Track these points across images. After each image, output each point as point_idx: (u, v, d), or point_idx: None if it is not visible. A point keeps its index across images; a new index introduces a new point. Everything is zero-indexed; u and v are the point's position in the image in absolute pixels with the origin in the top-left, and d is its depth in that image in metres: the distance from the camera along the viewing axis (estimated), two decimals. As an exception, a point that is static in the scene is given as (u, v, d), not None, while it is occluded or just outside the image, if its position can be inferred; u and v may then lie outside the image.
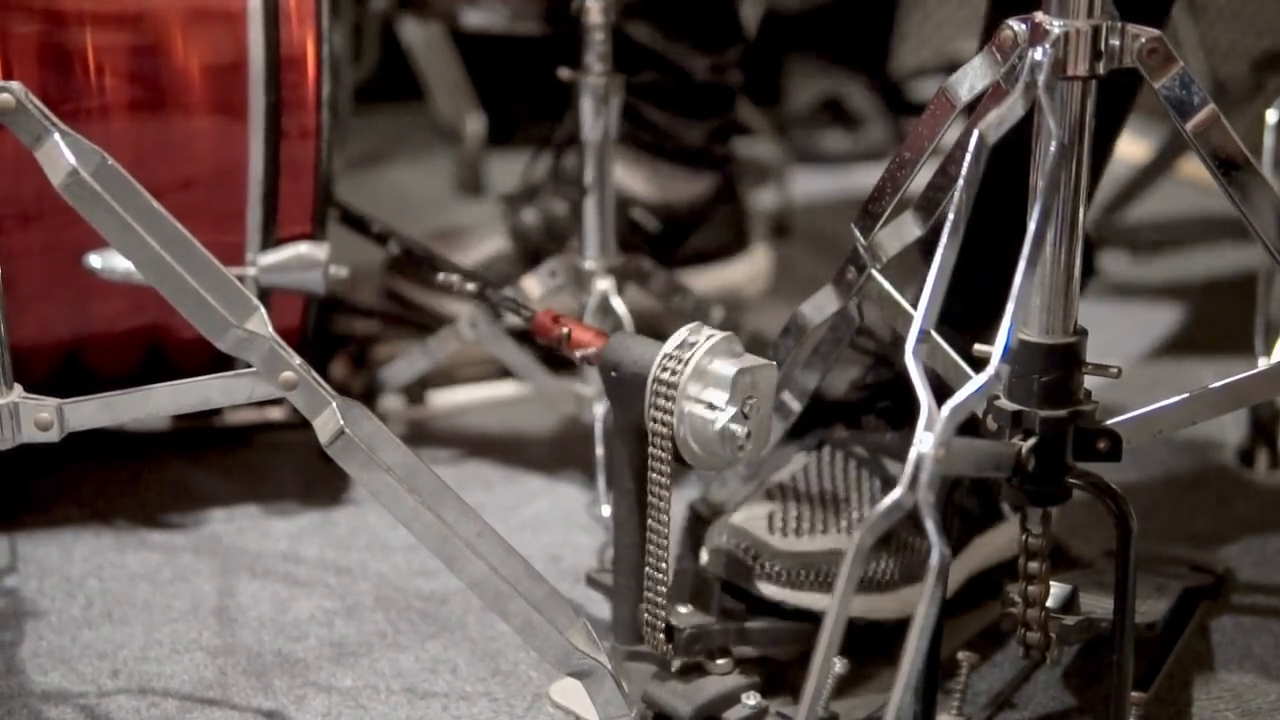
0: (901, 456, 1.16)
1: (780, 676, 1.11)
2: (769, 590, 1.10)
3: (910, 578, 1.14)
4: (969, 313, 1.16)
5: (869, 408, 1.22)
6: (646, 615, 1.06)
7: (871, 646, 1.10)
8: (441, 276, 1.37)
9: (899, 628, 1.10)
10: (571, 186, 1.46)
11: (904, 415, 1.20)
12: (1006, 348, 0.86)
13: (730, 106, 1.68)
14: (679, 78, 1.61)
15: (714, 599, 1.11)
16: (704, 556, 1.14)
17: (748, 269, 1.69)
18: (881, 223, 1.03)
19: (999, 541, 1.20)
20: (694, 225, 1.64)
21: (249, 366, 0.96)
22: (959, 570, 1.18)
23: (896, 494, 0.80)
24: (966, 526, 1.19)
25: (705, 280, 1.65)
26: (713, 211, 1.66)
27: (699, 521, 1.22)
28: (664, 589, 1.04)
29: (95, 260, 1.21)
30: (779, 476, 1.18)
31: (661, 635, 1.06)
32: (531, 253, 1.57)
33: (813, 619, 1.10)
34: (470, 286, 1.35)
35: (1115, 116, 1.22)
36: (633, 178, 1.62)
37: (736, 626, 1.10)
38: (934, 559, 0.80)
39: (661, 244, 1.62)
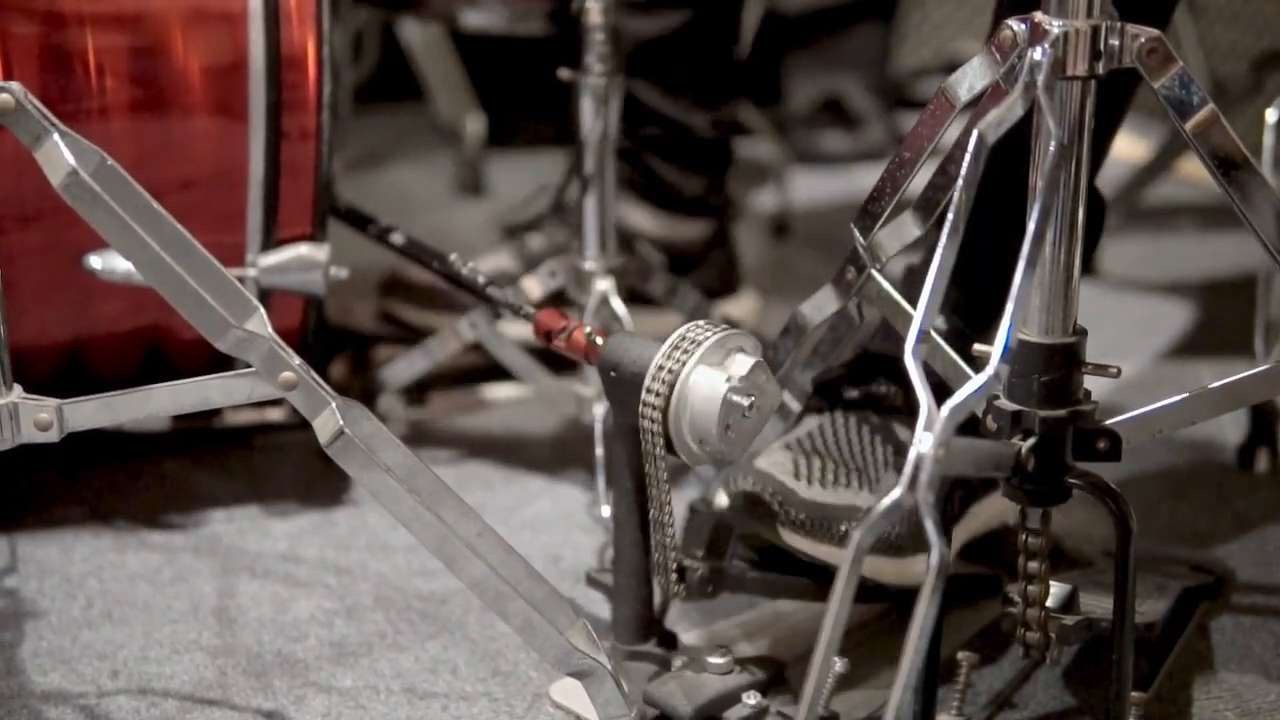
0: (911, 422, 1.17)
1: (780, 676, 1.11)
2: (790, 538, 1.10)
3: (920, 545, 1.13)
4: (969, 312, 1.16)
5: (878, 373, 1.22)
6: (657, 558, 1.05)
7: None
8: (452, 257, 1.36)
9: (902, 593, 1.10)
10: (571, 214, 1.48)
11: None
12: (1006, 348, 0.86)
13: (728, 159, 1.71)
14: (681, 133, 1.64)
15: (727, 547, 1.11)
16: (721, 498, 1.14)
17: (738, 311, 1.70)
18: (881, 223, 1.03)
19: (998, 506, 1.21)
20: (691, 265, 1.66)
21: (249, 367, 0.96)
22: (957, 536, 1.18)
23: (896, 494, 0.81)
24: (965, 495, 1.19)
25: None
26: (708, 255, 1.68)
27: (700, 514, 1.22)
28: (671, 532, 1.04)
29: (95, 261, 1.21)
30: (795, 434, 1.18)
31: (674, 576, 1.05)
32: None
33: (820, 572, 1.10)
34: (480, 279, 1.34)
35: (1113, 115, 1.22)
36: (638, 215, 1.64)
37: (746, 571, 1.09)
38: (934, 559, 0.80)
39: None
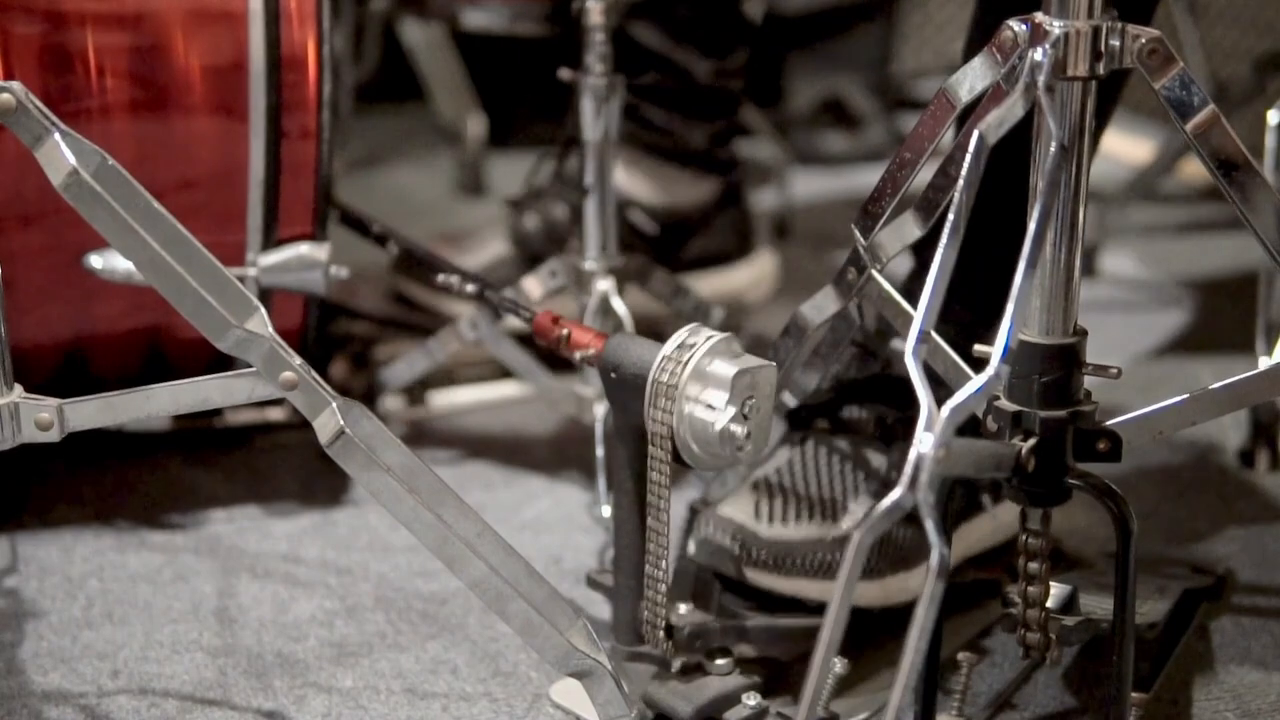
0: (883, 447, 1.17)
1: (780, 676, 1.11)
2: (756, 577, 1.11)
3: (897, 565, 1.14)
4: (969, 313, 1.16)
5: (851, 401, 1.22)
6: (646, 614, 1.06)
7: (857, 635, 1.09)
8: (441, 278, 1.37)
9: (884, 615, 1.10)
10: (573, 190, 1.47)
11: (886, 407, 1.20)
12: (1006, 348, 0.86)
13: (734, 110, 1.69)
14: (682, 80, 1.62)
15: (714, 597, 1.11)
16: (691, 547, 1.15)
17: (751, 273, 1.69)
18: (882, 223, 1.03)
19: (981, 531, 1.21)
20: (697, 229, 1.64)
21: (249, 367, 0.96)
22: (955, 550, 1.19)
23: (896, 494, 0.80)
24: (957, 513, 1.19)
25: (708, 284, 1.65)
26: (717, 215, 1.67)
27: (687, 567, 1.22)
28: (664, 588, 1.05)
29: (96, 261, 1.21)
30: (764, 470, 1.19)
31: (662, 633, 1.06)
32: (533, 257, 1.58)
33: (800, 606, 1.11)
34: (470, 288, 1.35)
35: (1100, 114, 1.22)
36: (634, 180, 1.63)
37: (736, 624, 1.10)
38: (933, 559, 0.80)
39: (660, 247, 1.62)
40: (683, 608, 1.08)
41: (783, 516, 1.13)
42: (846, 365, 1.24)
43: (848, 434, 1.20)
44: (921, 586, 0.80)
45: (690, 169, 1.64)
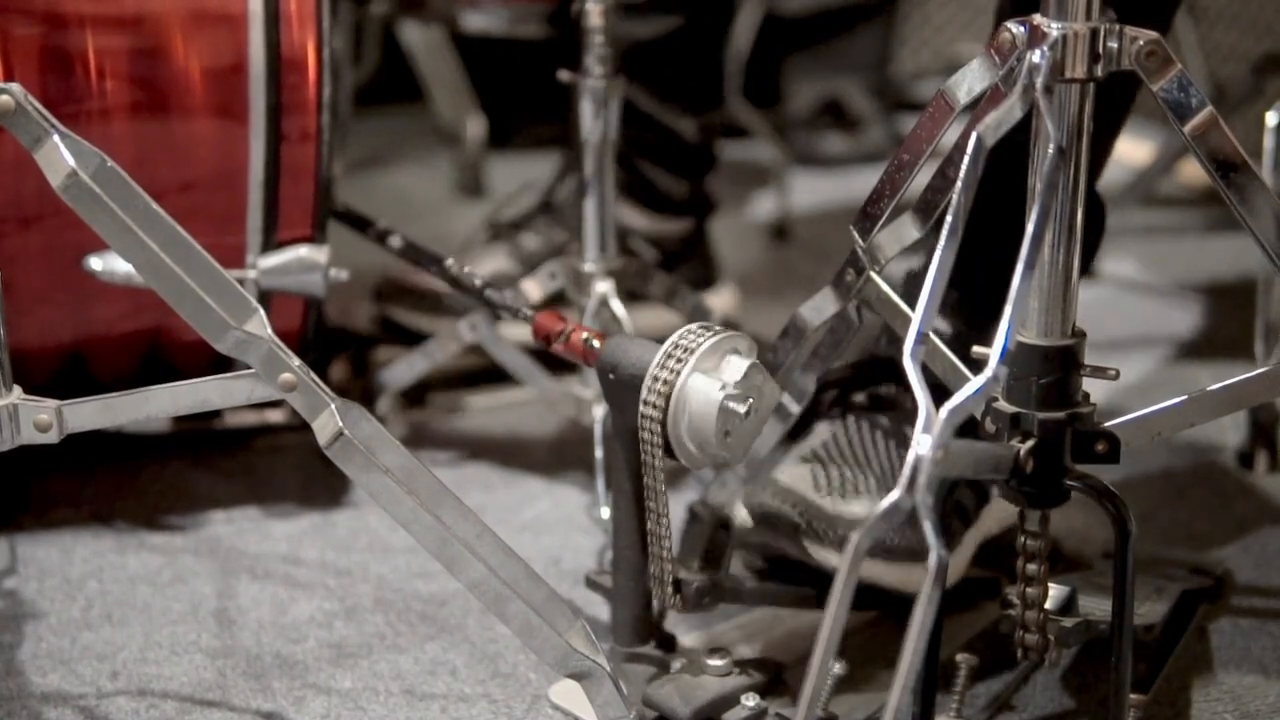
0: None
1: (779, 678, 1.11)
2: (818, 552, 1.10)
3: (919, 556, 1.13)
4: (967, 315, 1.16)
5: (888, 378, 1.22)
6: (654, 571, 1.05)
7: (856, 637, 1.09)
8: (449, 261, 1.36)
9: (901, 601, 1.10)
10: (563, 214, 1.49)
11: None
12: (1004, 350, 0.86)
13: (713, 165, 1.73)
14: (669, 138, 1.66)
15: (724, 558, 1.10)
16: (741, 514, 1.13)
17: (722, 302, 1.72)
18: (880, 225, 1.03)
19: (992, 517, 1.21)
20: (676, 261, 1.67)
21: (248, 368, 0.96)
22: (972, 539, 1.18)
23: (895, 495, 0.81)
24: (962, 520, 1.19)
25: None
26: (696, 247, 1.70)
27: (698, 524, 1.21)
28: (669, 544, 1.04)
29: (95, 262, 1.21)
30: (809, 444, 1.17)
31: (670, 589, 1.05)
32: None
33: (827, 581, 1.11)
34: (475, 282, 1.34)
35: (1114, 118, 1.22)
36: (627, 212, 1.65)
37: (743, 582, 1.09)
38: (932, 561, 0.80)
39: None
40: (691, 565, 1.08)
41: (841, 490, 1.12)
42: (876, 339, 1.23)
43: (887, 411, 1.19)
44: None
45: (669, 213, 1.68)
